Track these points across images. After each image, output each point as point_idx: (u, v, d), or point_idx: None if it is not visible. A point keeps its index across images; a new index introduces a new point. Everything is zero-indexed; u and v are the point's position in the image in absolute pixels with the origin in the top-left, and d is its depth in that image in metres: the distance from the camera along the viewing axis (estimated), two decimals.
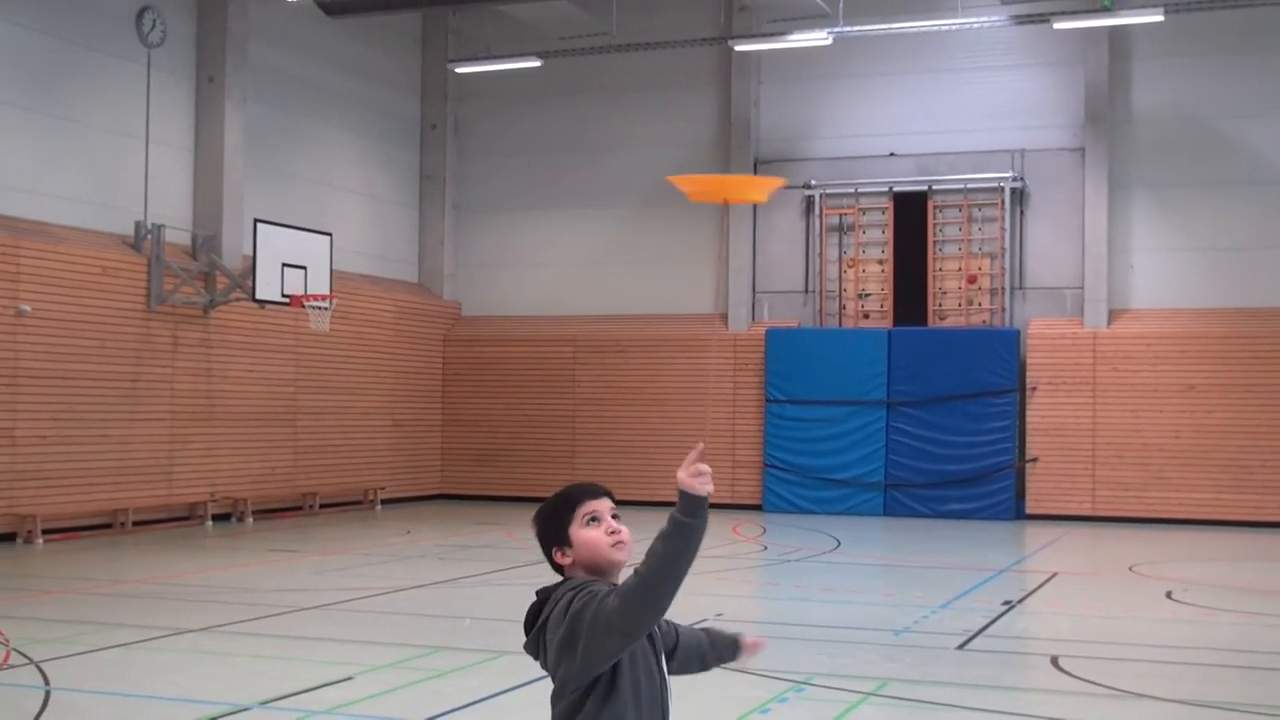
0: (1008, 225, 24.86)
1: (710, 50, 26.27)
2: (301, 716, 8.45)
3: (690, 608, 10.75)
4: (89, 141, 20.29)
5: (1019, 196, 24.98)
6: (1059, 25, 22.69)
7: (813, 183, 25.82)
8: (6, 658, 10.22)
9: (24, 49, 19.34)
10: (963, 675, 10.11)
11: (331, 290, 21.69)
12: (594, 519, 3.57)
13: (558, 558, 3.60)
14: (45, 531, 18.41)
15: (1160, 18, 21.69)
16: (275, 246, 20.73)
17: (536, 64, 25.21)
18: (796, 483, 24.80)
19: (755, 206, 26.10)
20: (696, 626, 4.04)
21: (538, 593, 3.62)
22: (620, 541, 3.58)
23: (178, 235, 21.41)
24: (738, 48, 25.06)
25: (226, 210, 21.91)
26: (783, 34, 23.95)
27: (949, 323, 25.20)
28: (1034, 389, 24.25)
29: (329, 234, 22.10)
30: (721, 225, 26.32)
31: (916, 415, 24.40)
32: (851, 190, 25.71)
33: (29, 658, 10.15)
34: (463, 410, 27.46)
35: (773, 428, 25.22)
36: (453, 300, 28.09)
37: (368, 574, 15.76)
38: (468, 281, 28.18)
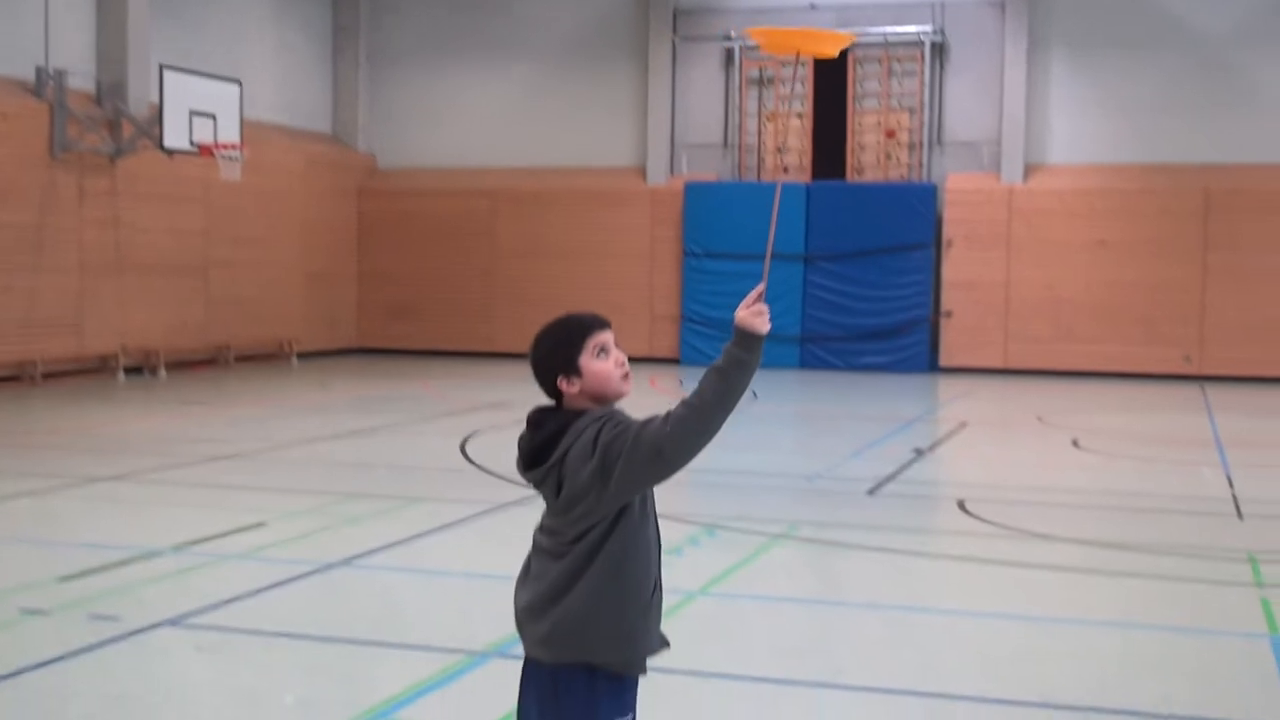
0: (927, 80, 24.80)
1: None
2: (214, 560, 8.45)
3: None
4: None
5: (939, 51, 24.89)
6: None
7: (732, 34, 25.54)
8: None
9: None
10: (871, 518, 10.32)
11: (242, 140, 21.25)
12: (604, 350, 3.56)
13: (563, 385, 3.56)
14: None
15: None
16: (183, 94, 20.23)
17: None
18: (714, 336, 24.92)
19: (674, 58, 25.82)
20: None
21: (538, 422, 3.57)
22: (627, 374, 3.61)
23: (81, 81, 20.77)
24: None
25: (132, 56, 21.25)
26: None
27: (867, 177, 25.22)
28: (950, 244, 24.43)
29: (238, 82, 21.58)
30: (641, 77, 26.05)
31: (834, 270, 24.53)
32: None
33: None
34: (379, 264, 27.19)
35: (690, 281, 25.25)
36: (368, 152, 27.63)
37: (283, 425, 15.70)
38: (383, 134, 27.70)
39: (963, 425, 16.79)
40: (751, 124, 25.73)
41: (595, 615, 3.49)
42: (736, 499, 10.90)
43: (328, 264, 26.37)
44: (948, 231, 24.45)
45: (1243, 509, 10.93)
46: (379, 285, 27.18)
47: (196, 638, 6.75)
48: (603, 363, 3.56)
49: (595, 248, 25.98)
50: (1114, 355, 23.74)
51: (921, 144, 24.96)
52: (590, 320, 3.61)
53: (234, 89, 21.29)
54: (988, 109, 24.72)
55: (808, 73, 25.26)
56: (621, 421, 3.50)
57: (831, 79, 25.12)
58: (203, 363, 22.97)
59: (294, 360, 24.77)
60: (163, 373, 21.55)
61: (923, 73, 24.79)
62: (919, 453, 14.06)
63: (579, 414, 3.53)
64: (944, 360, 24.40)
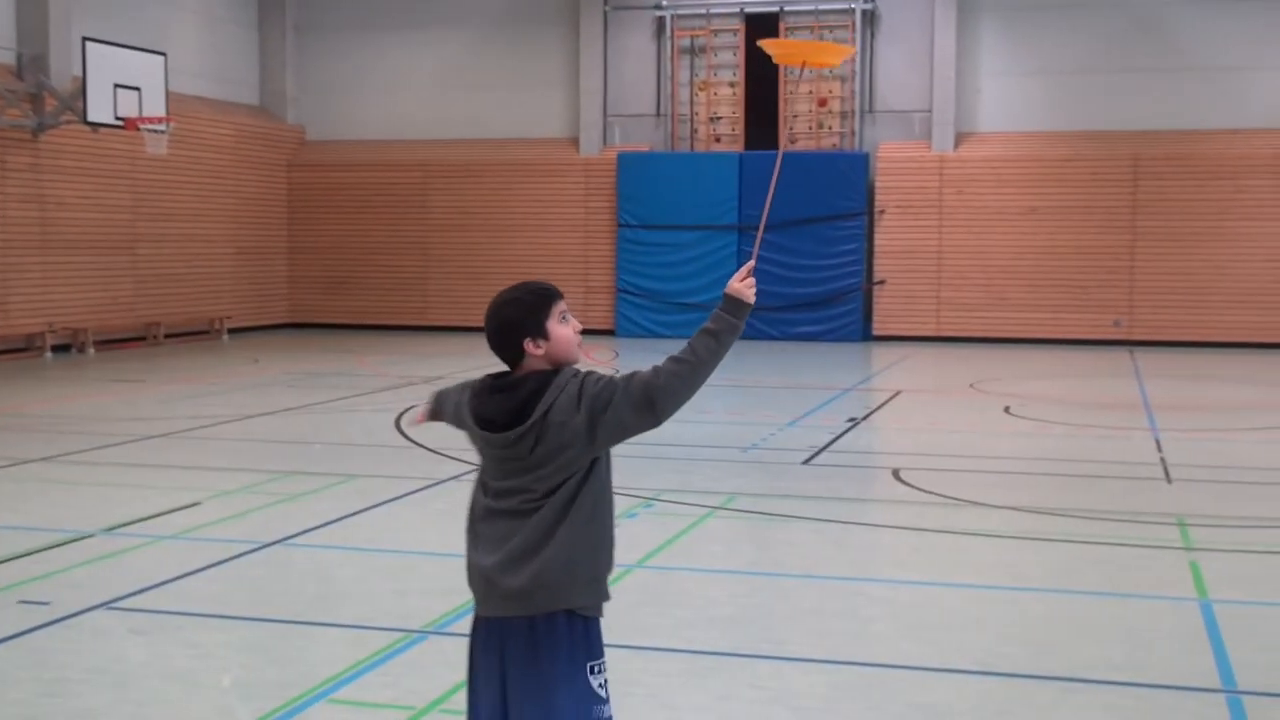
0: (858, 48, 24.84)
1: None
2: (148, 541, 8.36)
3: None
4: None
5: (870, 19, 24.95)
6: None
7: (664, 3, 25.46)
8: None
9: None
10: (807, 488, 10.38)
11: (168, 113, 20.94)
12: (565, 316, 3.73)
13: (529, 348, 3.68)
14: None
15: None
16: (106, 67, 19.90)
17: None
18: (649, 307, 24.94)
19: (606, 28, 25.72)
20: None
21: (514, 384, 3.66)
22: (580, 341, 3.81)
23: (1, 55, 20.38)
24: None
25: (53, 28, 20.85)
26: None
27: (800, 146, 25.27)
28: (882, 212, 24.56)
29: (163, 54, 21.25)
30: (573, 47, 25.92)
31: (767, 239, 24.55)
32: (703, 11, 25.42)
33: None
34: (310, 237, 26.94)
35: (625, 253, 25.22)
36: (297, 124, 27.32)
37: (215, 402, 15.54)
38: (312, 105, 27.39)
39: (897, 393, 16.91)
40: (684, 93, 25.69)
41: (575, 562, 3.67)
42: (674, 471, 10.92)
43: (258, 238, 26.09)
44: (880, 200, 24.58)
45: (1171, 473, 11.10)
46: (310, 259, 26.93)
47: (131, 620, 6.67)
48: (565, 327, 3.72)
49: (529, 219, 25.88)
50: (1045, 321, 24.00)
51: (854, 112, 25.03)
52: (552, 288, 3.77)
53: (159, 61, 20.96)
54: (919, 77, 24.83)
55: (739, 41, 25.24)
56: (603, 376, 3.68)
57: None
58: (132, 340, 22.67)
59: (225, 337, 24.51)
60: (91, 351, 21.25)
61: (854, 41, 24.84)
62: (854, 422, 14.16)
63: (555, 372, 3.68)
64: (878, 328, 24.56)
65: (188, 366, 19.70)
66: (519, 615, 3.65)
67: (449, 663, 5.81)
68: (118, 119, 20.10)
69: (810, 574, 7.85)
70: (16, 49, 20.68)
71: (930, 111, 24.67)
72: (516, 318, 3.69)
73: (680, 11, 25.44)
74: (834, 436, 12.93)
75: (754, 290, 3.83)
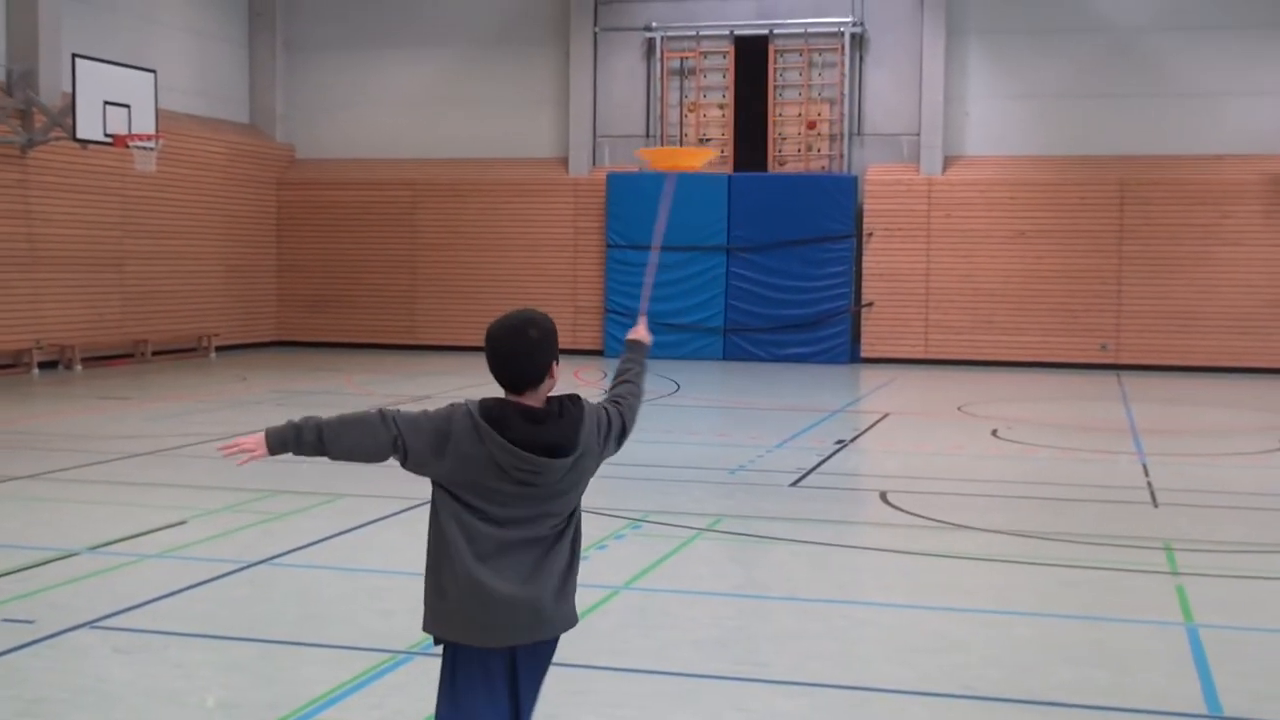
0: (847, 71, 24.96)
1: None
2: (133, 561, 8.34)
3: None
4: None
5: (859, 42, 25.05)
6: None
7: (654, 24, 25.54)
8: None
9: None
10: (795, 510, 10.38)
11: (157, 130, 20.95)
12: None
13: (554, 369, 3.82)
14: None
15: None
16: (96, 83, 19.90)
17: None
18: None
19: (596, 49, 25.80)
20: None
21: (559, 410, 3.76)
22: None
23: None
24: None
25: (43, 44, 20.86)
26: None
27: (788, 168, 25.35)
28: (870, 235, 24.61)
29: (153, 71, 21.26)
30: (563, 68, 25.99)
31: (756, 261, 24.62)
32: (693, 33, 25.50)
33: None
34: (298, 255, 26.93)
35: (614, 273, 25.24)
36: (286, 142, 27.33)
37: (202, 420, 15.51)
38: (301, 123, 27.41)
39: (884, 416, 16.93)
40: (674, 114, 25.75)
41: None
42: (660, 493, 10.92)
43: (246, 256, 26.07)
44: (868, 223, 24.63)
45: (1158, 497, 11.12)
46: (299, 277, 26.91)
47: (115, 639, 6.65)
48: None
49: (517, 239, 25.90)
50: (1033, 345, 24.06)
51: (842, 135, 25.12)
52: None
53: (149, 78, 20.98)
54: (907, 100, 24.92)
55: (728, 63, 25.34)
56: (600, 405, 3.99)
57: (752, 70, 25.22)
58: (120, 358, 22.63)
59: (213, 354, 24.48)
60: (78, 368, 21.21)
61: (843, 64, 24.95)
62: (841, 444, 14.17)
63: (579, 398, 3.86)
64: (865, 351, 24.59)
65: (175, 384, 19.66)
66: (555, 636, 3.83)
67: (435, 684, 5.78)
68: (107, 136, 20.10)
69: (796, 596, 7.84)
70: (6, 65, 20.69)
71: (918, 135, 24.76)
72: (551, 340, 3.78)
73: (670, 33, 25.52)
74: (822, 459, 12.93)
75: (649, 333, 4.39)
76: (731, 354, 24.63)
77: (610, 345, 25.03)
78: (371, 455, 3.81)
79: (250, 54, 27.06)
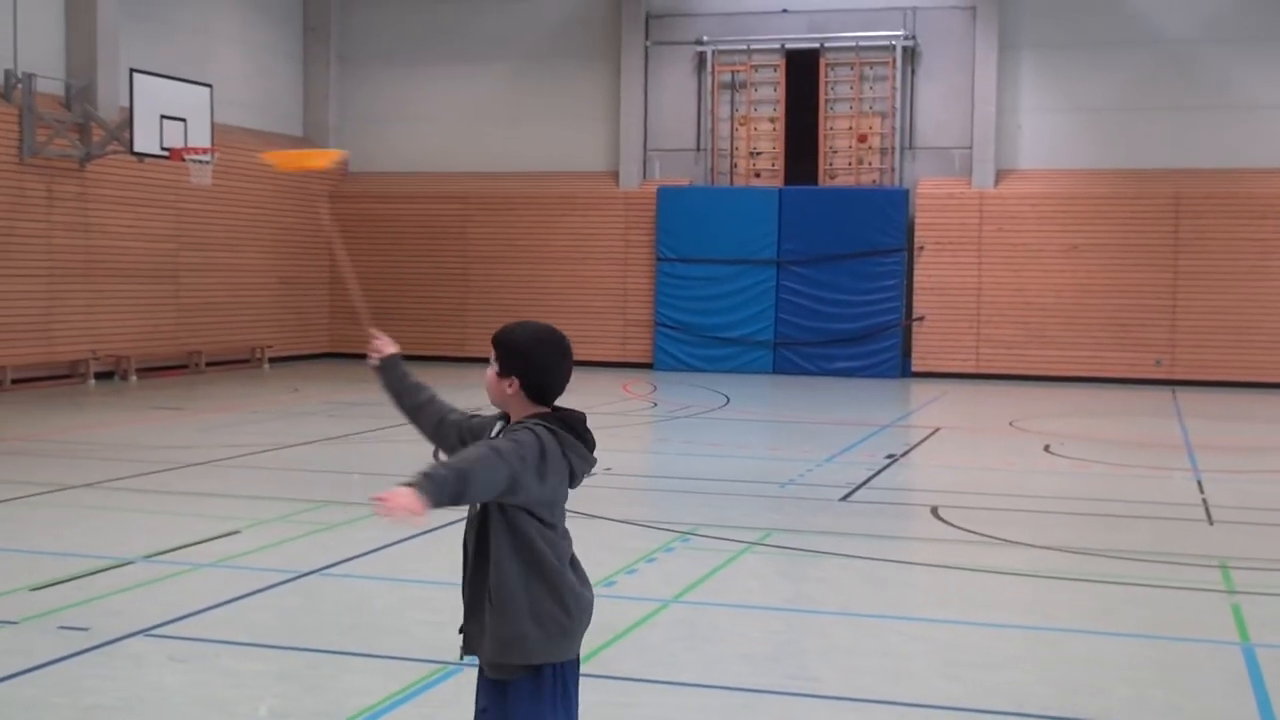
0: (898, 84, 24.88)
1: None
2: (187, 569, 8.41)
3: None
4: None
5: (910, 55, 24.98)
6: None
7: (704, 39, 25.57)
8: None
9: None
10: (844, 525, 10.34)
11: (213, 144, 21.15)
12: None
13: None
14: None
15: None
16: (153, 98, 20.13)
17: None
18: (687, 341, 24.94)
19: (647, 62, 25.85)
20: None
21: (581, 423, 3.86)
22: None
23: (50, 85, 20.64)
24: None
25: (101, 59, 21.13)
26: None
27: (839, 182, 25.29)
28: (921, 248, 24.51)
29: (209, 85, 21.48)
30: (614, 81, 26.07)
31: (806, 274, 24.57)
32: (744, 47, 25.51)
33: None
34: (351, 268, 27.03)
35: (664, 286, 25.25)
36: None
37: (255, 431, 15.64)
38: (355, 136, 27.60)
39: (935, 430, 16.84)
40: (724, 128, 25.76)
41: None
42: (710, 506, 10.91)
43: (299, 268, 26.27)
44: (919, 236, 24.53)
45: (1213, 514, 10.99)
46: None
47: (169, 648, 6.71)
48: None
49: (568, 252, 25.97)
50: (1085, 360, 23.86)
51: (893, 149, 25.04)
52: None
53: (204, 92, 21.19)
54: (959, 114, 24.81)
55: (779, 76, 25.33)
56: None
57: (803, 83, 25.19)
58: (174, 368, 22.86)
59: (266, 365, 24.67)
60: (134, 378, 21.44)
61: (894, 77, 24.88)
62: (892, 458, 14.10)
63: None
64: (916, 365, 24.47)
65: (228, 394, 19.83)
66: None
67: None
68: (163, 149, 20.32)
69: (846, 611, 7.81)
70: (65, 80, 20.96)
71: (970, 148, 24.64)
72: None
73: (721, 47, 25.54)
74: (872, 473, 12.88)
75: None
76: (781, 368, 24.57)
77: (659, 358, 25.02)
78: (493, 496, 3.74)
79: (304, 68, 27.30)
